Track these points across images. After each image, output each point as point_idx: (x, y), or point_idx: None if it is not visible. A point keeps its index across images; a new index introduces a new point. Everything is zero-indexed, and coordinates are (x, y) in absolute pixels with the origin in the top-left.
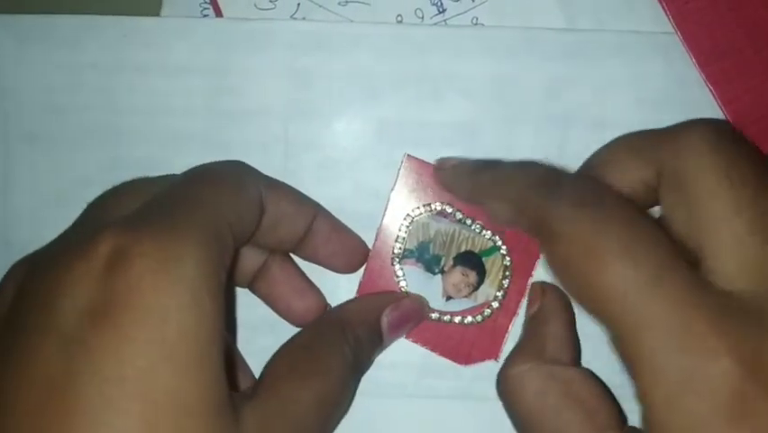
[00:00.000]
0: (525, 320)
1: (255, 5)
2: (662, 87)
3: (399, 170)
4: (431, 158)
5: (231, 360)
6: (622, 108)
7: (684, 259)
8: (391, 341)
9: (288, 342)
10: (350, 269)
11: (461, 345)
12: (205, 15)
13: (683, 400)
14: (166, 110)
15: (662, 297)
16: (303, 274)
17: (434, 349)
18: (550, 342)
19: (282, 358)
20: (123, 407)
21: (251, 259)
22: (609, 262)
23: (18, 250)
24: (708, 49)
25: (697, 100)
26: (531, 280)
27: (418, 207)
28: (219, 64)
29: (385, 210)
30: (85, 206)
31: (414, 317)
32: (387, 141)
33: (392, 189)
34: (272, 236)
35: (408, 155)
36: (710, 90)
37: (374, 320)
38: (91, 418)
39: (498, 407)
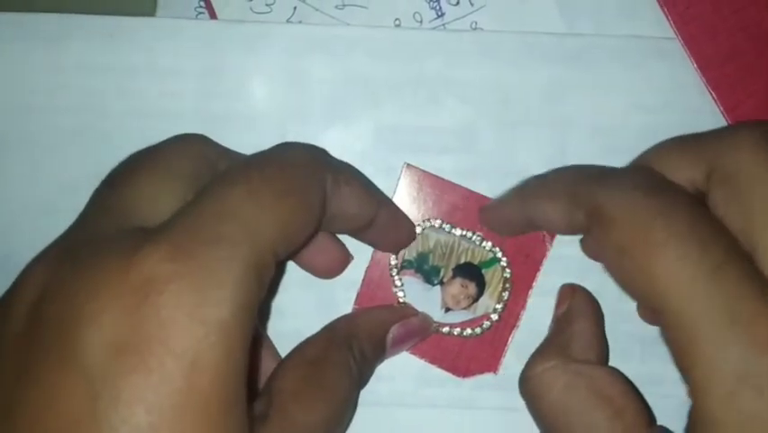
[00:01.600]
0: (553, 321)
1: (251, 9)
2: (662, 91)
3: (399, 179)
4: (429, 163)
5: (257, 346)
6: (622, 113)
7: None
8: (393, 355)
9: (296, 353)
10: (394, 251)
11: (459, 357)
12: (200, 18)
13: (741, 396)
14: (156, 113)
15: (726, 287)
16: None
17: (432, 361)
18: (576, 340)
19: (292, 373)
20: None
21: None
22: (672, 246)
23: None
24: (709, 54)
25: (698, 105)
26: (531, 292)
27: (418, 225)
28: (212, 67)
29: None
30: (72, 214)
31: (420, 335)
32: (384, 146)
33: (392, 198)
34: (327, 227)
35: (408, 165)
36: (712, 95)
37: (381, 336)
38: None
39: (497, 416)
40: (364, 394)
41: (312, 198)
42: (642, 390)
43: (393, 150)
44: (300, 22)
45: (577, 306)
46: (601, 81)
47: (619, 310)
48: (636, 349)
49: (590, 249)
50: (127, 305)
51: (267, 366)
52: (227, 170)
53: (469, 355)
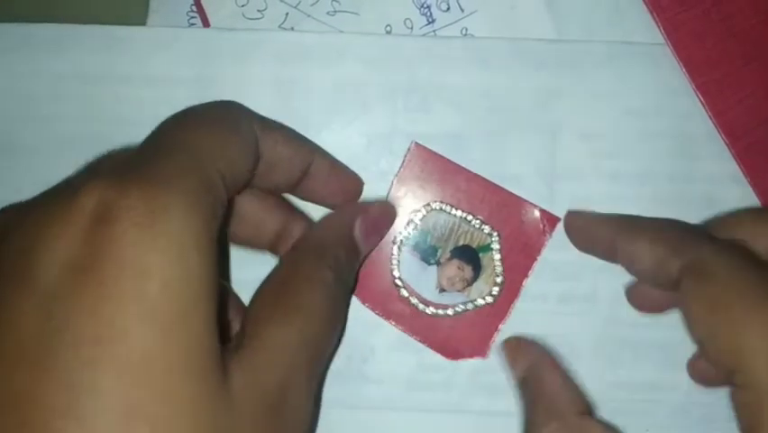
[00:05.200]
0: (518, 381)
1: (243, 15)
2: (651, 97)
3: (405, 155)
4: None
5: (224, 301)
6: (612, 119)
7: None
8: (369, 249)
9: (265, 279)
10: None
11: (450, 339)
12: (192, 25)
13: None
14: (151, 121)
15: None
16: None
17: (423, 341)
18: (558, 396)
19: (262, 298)
20: (100, 366)
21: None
22: (766, 315)
23: None
24: (698, 59)
25: (687, 111)
26: (526, 282)
27: (419, 209)
28: (205, 74)
29: (388, 194)
30: None
31: (386, 221)
32: (375, 152)
33: (396, 174)
34: (268, 180)
35: (416, 143)
36: (700, 100)
37: (348, 235)
38: (66, 378)
39: (485, 420)
40: (352, 397)
41: (244, 128)
42: (634, 395)
43: (384, 155)
44: (292, 28)
45: (535, 361)
46: (591, 87)
47: (612, 316)
48: (628, 355)
49: (645, 299)
50: (82, 228)
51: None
52: (165, 123)
53: (459, 339)
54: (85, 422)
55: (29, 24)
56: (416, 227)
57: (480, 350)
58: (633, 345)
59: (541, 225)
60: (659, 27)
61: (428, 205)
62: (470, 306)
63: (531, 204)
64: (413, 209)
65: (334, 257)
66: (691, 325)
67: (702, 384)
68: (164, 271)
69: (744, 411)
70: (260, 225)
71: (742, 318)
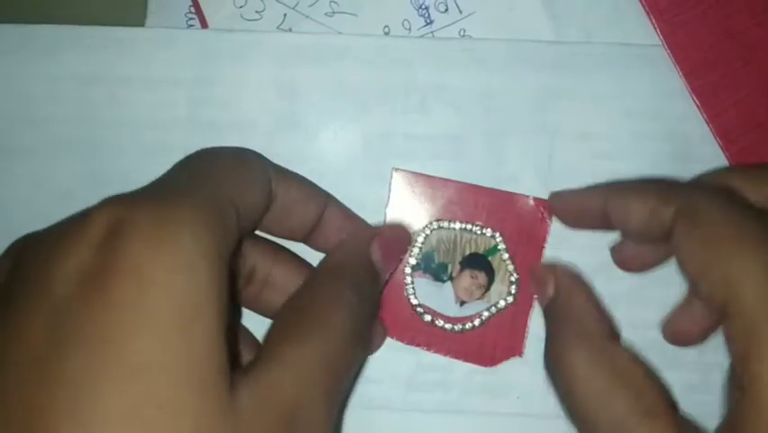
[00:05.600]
0: (547, 304)
1: (241, 16)
2: (649, 99)
3: (390, 185)
4: (418, 170)
5: (233, 330)
6: (609, 120)
7: None
8: (388, 272)
9: (285, 303)
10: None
11: (483, 348)
12: (190, 26)
13: None
14: (149, 122)
15: None
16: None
17: (456, 357)
18: (585, 317)
19: (280, 320)
20: (102, 373)
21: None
22: (756, 248)
23: None
24: (695, 61)
25: (683, 113)
26: None
27: (419, 232)
28: (203, 76)
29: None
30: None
31: (401, 243)
32: (373, 153)
33: (386, 206)
34: (282, 225)
35: (396, 169)
36: (696, 103)
37: (366, 257)
38: (71, 385)
39: (484, 421)
40: (353, 398)
41: (257, 167)
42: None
43: (382, 157)
44: (290, 29)
45: (566, 282)
46: (588, 88)
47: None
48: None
49: (630, 256)
50: (93, 243)
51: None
52: (179, 161)
53: (492, 345)
54: (86, 428)
55: (26, 25)
56: (420, 251)
57: (515, 349)
58: (629, 345)
59: (539, 213)
60: (656, 29)
61: (426, 226)
62: (493, 310)
63: (523, 196)
64: (413, 234)
65: (354, 277)
66: (685, 263)
67: (675, 343)
68: (168, 282)
69: (735, 340)
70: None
71: (734, 252)
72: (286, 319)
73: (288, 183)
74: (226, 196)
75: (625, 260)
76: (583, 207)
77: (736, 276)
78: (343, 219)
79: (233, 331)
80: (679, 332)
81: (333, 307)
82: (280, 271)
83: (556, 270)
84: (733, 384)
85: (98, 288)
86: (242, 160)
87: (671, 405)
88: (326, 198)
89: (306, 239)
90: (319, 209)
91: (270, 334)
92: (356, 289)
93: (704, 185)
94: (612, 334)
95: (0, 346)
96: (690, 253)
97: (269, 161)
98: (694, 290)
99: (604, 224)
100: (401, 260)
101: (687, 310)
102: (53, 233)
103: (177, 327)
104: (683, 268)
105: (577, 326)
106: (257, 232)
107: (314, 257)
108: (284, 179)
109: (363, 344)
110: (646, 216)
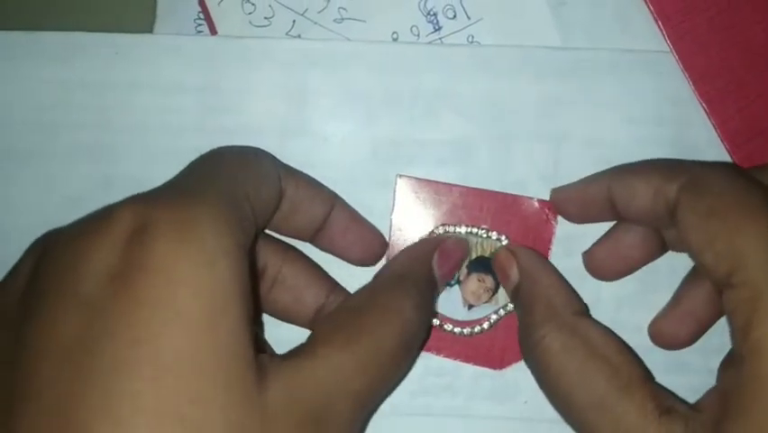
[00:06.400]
0: (513, 289)
1: (250, 22)
2: (655, 105)
3: (395, 191)
4: (425, 176)
5: (259, 327)
6: (616, 126)
7: None
8: (446, 281)
9: (340, 304)
10: (368, 261)
11: (491, 351)
12: (199, 32)
13: None
14: (158, 128)
15: None
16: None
17: (465, 361)
18: (554, 297)
19: (330, 320)
20: (135, 369)
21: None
22: (762, 218)
23: (4, 270)
24: (702, 67)
25: (690, 119)
26: None
27: (429, 235)
28: (213, 82)
29: (390, 233)
30: None
31: (459, 253)
32: (381, 159)
33: (392, 212)
34: (290, 223)
35: (400, 175)
36: (704, 109)
37: (428, 267)
38: (104, 381)
39: (491, 425)
40: None
41: (268, 163)
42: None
43: (390, 163)
44: (299, 35)
45: (529, 265)
46: (596, 94)
47: (615, 321)
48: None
49: (604, 262)
50: (119, 242)
51: None
52: (193, 160)
53: (501, 347)
54: (119, 423)
55: (35, 32)
56: None
57: None
58: (635, 349)
59: (544, 215)
60: (664, 35)
61: (432, 232)
62: (501, 312)
63: (527, 198)
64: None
65: (415, 287)
66: (689, 236)
67: (661, 345)
68: (194, 279)
69: (738, 311)
70: (301, 296)
71: (738, 222)
72: (337, 320)
73: (296, 181)
74: (241, 191)
75: (597, 267)
76: (586, 197)
77: (741, 245)
78: (349, 220)
79: (258, 323)
80: (664, 334)
81: (386, 316)
82: (290, 270)
83: (517, 254)
84: (728, 364)
85: (127, 286)
86: (253, 157)
87: (647, 376)
88: (333, 199)
89: (312, 239)
90: (326, 209)
91: (318, 330)
92: (415, 299)
93: (707, 162)
94: (581, 310)
95: (33, 342)
96: (695, 225)
97: (278, 160)
98: (698, 262)
99: (609, 213)
100: (458, 268)
101: (673, 313)
102: (77, 231)
103: (205, 323)
104: (687, 241)
105: (545, 306)
106: (266, 231)
107: (320, 258)
108: (293, 177)
109: (409, 357)
110: (651, 195)
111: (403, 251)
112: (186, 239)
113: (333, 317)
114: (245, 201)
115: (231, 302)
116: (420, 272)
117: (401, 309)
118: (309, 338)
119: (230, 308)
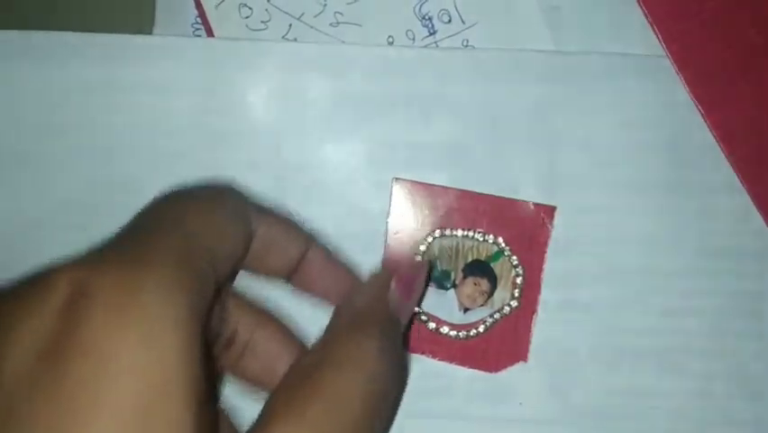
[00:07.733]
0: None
1: (247, 26)
2: (650, 108)
3: (391, 195)
4: (421, 179)
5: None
6: (611, 130)
7: None
8: (413, 306)
9: (290, 369)
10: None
11: (487, 354)
12: (197, 35)
13: None
14: (155, 130)
15: None
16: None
17: (462, 363)
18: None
19: (282, 387)
20: None
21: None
22: None
23: (4, 274)
24: (697, 71)
25: (686, 122)
26: (543, 276)
27: (421, 242)
28: (209, 84)
29: (386, 237)
30: (74, 228)
31: (420, 278)
32: (377, 162)
33: (388, 216)
34: (263, 264)
35: (396, 178)
36: (700, 112)
37: (385, 302)
38: None
39: (490, 426)
40: None
41: (236, 205)
42: (632, 402)
43: (385, 166)
44: (295, 39)
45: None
46: (590, 98)
47: (611, 324)
48: (627, 362)
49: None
50: (49, 312)
51: None
52: (150, 202)
53: (496, 350)
54: None
55: (33, 33)
56: (421, 258)
57: (519, 355)
58: (631, 351)
59: (540, 218)
60: (658, 39)
61: (428, 235)
62: (497, 315)
63: (522, 201)
64: (415, 244)
65: (376, 326)
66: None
67: None
68: (130, 358)
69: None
70: (272, 365)
71: None
72: (290, 386)
73: (268, 221)
74: (201, 245)
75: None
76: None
77: None
78: (326, 261)
79: (213, 402)
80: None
81: (346, 372)
82: (262, 335)
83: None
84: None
85: (56, 368)
86: (219, 200)
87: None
88: (309, 238)
89: (288, 280)
90: (301, 249)
91: (272, 402)
92: (379, 342)
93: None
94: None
95: None
96: None
97: (248, 198)
98: None
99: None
100: (419, 294)
101: None
102: (10, 297)
103: (137, 411)
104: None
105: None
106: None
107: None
108: (265, 217)
109: (382, 417)
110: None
111: (354, 288)
112: (127, 310)
113: (288, 381)
114: (203, 257)
115: (173, 384)
116: (379, 309)
117: (363, 360)
118: (263, 412)
119: (171, 392)
